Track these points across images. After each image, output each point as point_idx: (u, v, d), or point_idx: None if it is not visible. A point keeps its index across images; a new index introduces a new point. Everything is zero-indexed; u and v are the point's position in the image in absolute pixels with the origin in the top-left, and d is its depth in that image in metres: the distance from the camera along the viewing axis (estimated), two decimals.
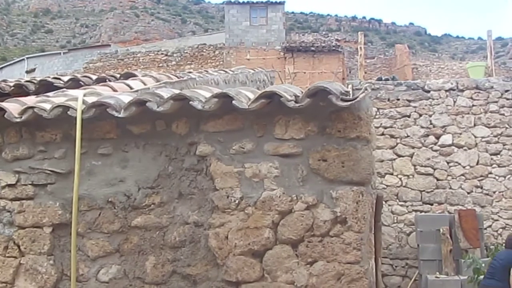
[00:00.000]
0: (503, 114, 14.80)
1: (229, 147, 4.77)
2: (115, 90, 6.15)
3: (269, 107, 4.66)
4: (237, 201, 4.71)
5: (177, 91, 5.03)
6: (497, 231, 14.50)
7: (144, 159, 4.95)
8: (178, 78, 7.93)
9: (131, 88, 6.47)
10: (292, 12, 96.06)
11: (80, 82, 7.38)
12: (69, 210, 5.00)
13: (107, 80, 7.54)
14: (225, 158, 4.76)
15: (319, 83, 4.59)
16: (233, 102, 4.56)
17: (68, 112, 4.92)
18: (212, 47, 38.01)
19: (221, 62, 36.04)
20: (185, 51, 38.56)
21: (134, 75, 7.66)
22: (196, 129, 4.86)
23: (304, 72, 34.22)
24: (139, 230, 4.90)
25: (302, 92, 4.67)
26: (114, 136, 5.03)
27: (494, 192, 14.59)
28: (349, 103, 4.41)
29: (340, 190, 4.60)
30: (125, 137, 5.01)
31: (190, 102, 4.65)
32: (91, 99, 5.10)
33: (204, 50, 38.21)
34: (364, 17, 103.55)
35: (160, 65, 37.87)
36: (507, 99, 14.86)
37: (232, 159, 4.75)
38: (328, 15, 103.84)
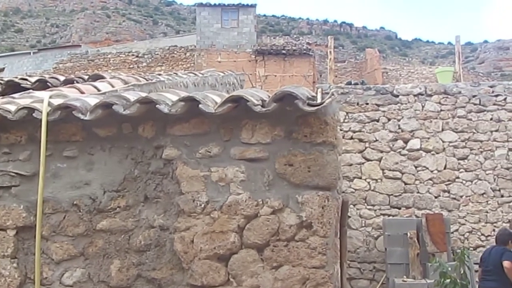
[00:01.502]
0: (471, 119, 14.95)
1: (196, 151, 4.76)
2: (82, 92, 6.10)
3: (236, 111, 4.66)
4: (203, 205, 4.70)
5: (144, 94, 5.02)
6: (463, 235, 14.63)
7: (110, 162, 4.92)
8: (147, 80, 7.89)
9: (98, 90, 6.42)
10: (264, 15, 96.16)
11: (48, 84, 7.32)
12: (33, 213, 4.95)
13: (74, 81, 7.48)
14: (192, 162, 4.75)
15: (285, 87, 4.60)
16: (200, 106, 4.55)
17: (34, 114, 4.87)
18: (183, 49, 37.97)
19: (192, 64, 36.01)
20: (156, 53, 38.46)
21: (102, 77, 7.62)
22: (162, 133, 4.84)
23: (275, 75, 34.33)
24: (104, 234, 4.86)
25: (269, 97, 4.68)
26: (80, 138, 4.99)
27: (461, 197, 14.71)
28: (315, 108, 4.43)
29: (306, 195, 4.61)
30: (91, 139, 4.97)
31: (157, 106, 4.63)
32: (57, 101, 5.06)
33: (175, 52, 38.15)
34: (335, 21, 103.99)
35: (131, 66, 37.74)
36: (475, 104, 15.01)
37: (198, 163, 4.74)
38: (300, 18, 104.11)
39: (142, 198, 4.84)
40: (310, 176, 4.63)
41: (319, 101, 4.54)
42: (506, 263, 10.20)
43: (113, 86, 6.85)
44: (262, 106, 4.54)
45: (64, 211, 4.94)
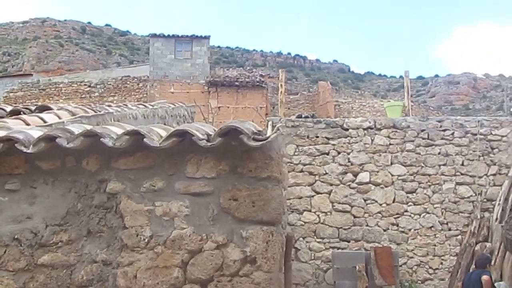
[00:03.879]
0: (419, 153, 15.17)
1: (140, 185, 4.73)
2: (27, 124, 6.03)
3: (181, 145, 4.66)
4: (146, 240, 4.66)
5: (89, 127, 4.98)
6: (412, 268, 14.75)
7: (52, 196, 4.85)
8: (95, 112, 7.84)
9: (44, 121, 6.36)
10: (218, 46, 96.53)
11: None
12: None
13: (21, 112, 7.40)
14: (136, 196, 4.72)
15: (231, 122, 4.62)
16: (145, 140, 4.53)
17: None
18: (136, 79, 37.79)
19: (145, 95, 35.85)
20: (109, 83, 38.22)
21: (49, 108, 7.54)
22: (107, 166, 4.80)
23: (228, 107, 34.36)
24: (45, 269, 4.77)
25: (215, 131, 4.68)
26: (22, 171, 4.91)
27: (410, 230, 14.86)
28: (260, 143, 4.44)
29: (250, 230, 4.61)
30: (33, 173, 4.89)
31: (101, 139, 4.60)
32: (0, 133, 4.99)
33: (128, 82, 37.96)
34: (289, 53, 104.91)
35: (83, 96, 37.41)
36: (423, 138, 15.24)
37: (142, 197, 4.71)
38: (254, 50, 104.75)
39: (85, 232, 4.77)
40: (254, 211, 4.63)
41: (268, 133, 4.57)
42: (484, 277, 10.97)
43: (60, 118, 6.79)
44: (208, 140, 4.54)
45: (4, 246, 4.83)
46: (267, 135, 4.57)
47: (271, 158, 4.67)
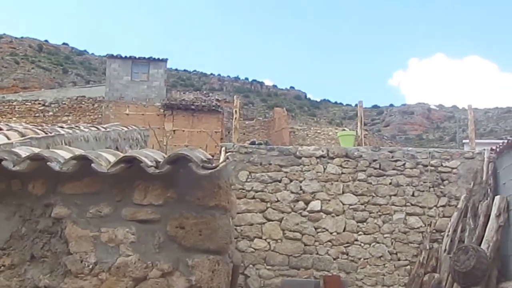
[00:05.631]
0: (370, 183, 15.27)
1: (86, 210, 4.69)
2: None
3: (129, 171, 4.63)
4: (91, 266, 4.61)
5: (36, 150, 4.93)
6: None
7: None
8: (45, 133, 7.77)
9: None
10: (176, 69, 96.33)
11: None
12: None
13: None
14: (81, 222, 4.67)
15: (180, 150, 4.62)
16: (92, 165, 4.50)
17: None
18: (91, 99, 37.48)
19: (100, 116, 35.58)
20: (64, 102, 37.83)
21: None
22: (53, 190, 4.75)
23: (183, 130, 34.29)
24: None
25: (164, 158, 4.67)
26: None
27: (359, 259, 14.91)
28: (209, 171, 4.45)
29: (196, 259, 4.59)
30: None
31: (48, 163, 4.55)
32: None
33: (83, 102, 37.63)
34: (246, 78, 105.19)
35: (37, 115, 36.94)
36: (375, 168, 15.36)
37: (88, 223, 4.67)
38: (212, 74, 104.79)
39: (28, 257, 4.70)
40: (201, 240, 4.62)
41: (221, 158, 4.58)
42: None
43: (9, 139, 6.72)
44: (156, 167, 4.53)
45: None
46: (217, 163, 4.58)
47: (219, 187, 4.67)
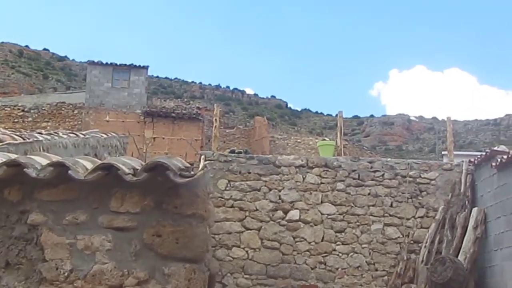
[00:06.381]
0: (349, 193, 15.33)
1: (63, 217, 4.65)
2: None
3: (106, 178, 4.61)
4: (66, 274, 4.58)
5: (13, 156, 4.91)
6: None
7: None
8: (23, 139, 7.73)
9: None
10: (157, 76, 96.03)
11: None
12: None
13: None
14: (57, 229, 4.64)
15: (158, 158, 4.61)
16: (69, 172, 4.49)
17: None
18: (71, 106, 37.29)
19: (80, 122, 35.42)
20: (43, 108, 37.59)
21: None
22: (29, 197, 4.71)
23: (163, 138, 34.24)
24: None
25: (141, 165, 4.67)
26: None
27: (337, 269, 14.93)
28: (187, 180, 4.44)
29: (172, 267, 4.57)
30: None
31: (25, 169, 4.53)
32: None
33: (63, 109, 37.42)
34: (227, 87, 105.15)
35: (16, 120, 36.68)
36: (354, 178, 15.42)
37: (64, 230, 4.63)
38: (193, 82, 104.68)
39: (3, 263, 4.66)
40: (178, 248, 4.60)
41: (200, 166, 4.58)
42: None
43: None
44: (134, 175, 4.52)
45: None
46: (195, 171, 4.58)
47: (197, 195, 4.66)
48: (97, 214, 4.66)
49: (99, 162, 4.70)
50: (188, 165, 4.79)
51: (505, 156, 13.19)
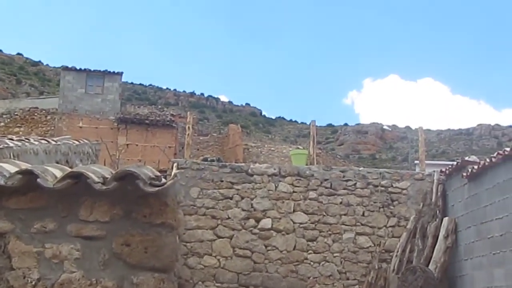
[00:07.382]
0: (321, 202, 15.39)
1: (31, 226, 4.61)
2: None
3: (76, 187, 4.58)
4: (34, 282, 4.54)
5: None
6: None
7: None
8: None
9: None
10: (131, 83, 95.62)
11: None
12: None
13: None
14: (25, 237, 4.60)
15: (128, 167, 4.60)
16: (38, 180, 4.46)
17: None
18: (44, 111, 37.05)
19: (53, 128, 35.19)
20: (16, 113, 37.32)
21: None
22: None
23: (137, 145, 34.15)
24: None
25: (111, 174, 4.65)
26: None
27: (309, 278, 14.97)
28: (156, 189, 4.44)
29: (141, 276, 4.56)
30: None
31: None
32: None
33: (36, 114, 37.17)
34: (202, 94, 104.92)
35: None
36: (326, 187, 15.49)
37: (32, 238, 4.60)
38: (167, 88, 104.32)
39: None
40: (147, 257, 4.59)
41: (173, 174, 4.58)
42: None
43: None
44: (103, 184, 4.50)
45: None
46: (165, 180, 4.57)
47: (166, 205, 4.66)
48: (66, 223, 4.62)
49: (69, 170, 4.68)
50: (158, 174, 4.79)
51: (475, 167, 13.32)
